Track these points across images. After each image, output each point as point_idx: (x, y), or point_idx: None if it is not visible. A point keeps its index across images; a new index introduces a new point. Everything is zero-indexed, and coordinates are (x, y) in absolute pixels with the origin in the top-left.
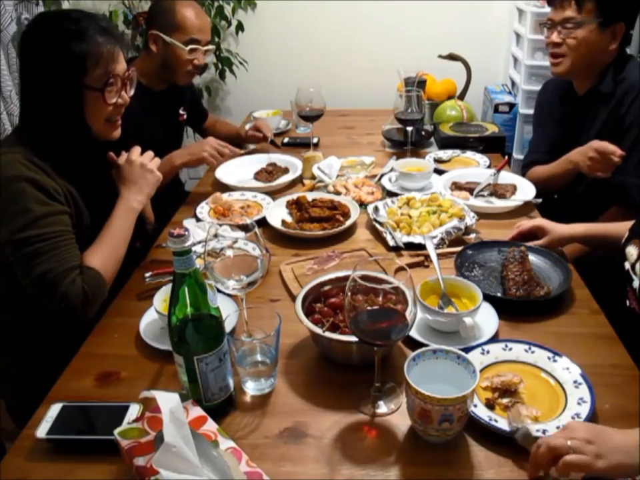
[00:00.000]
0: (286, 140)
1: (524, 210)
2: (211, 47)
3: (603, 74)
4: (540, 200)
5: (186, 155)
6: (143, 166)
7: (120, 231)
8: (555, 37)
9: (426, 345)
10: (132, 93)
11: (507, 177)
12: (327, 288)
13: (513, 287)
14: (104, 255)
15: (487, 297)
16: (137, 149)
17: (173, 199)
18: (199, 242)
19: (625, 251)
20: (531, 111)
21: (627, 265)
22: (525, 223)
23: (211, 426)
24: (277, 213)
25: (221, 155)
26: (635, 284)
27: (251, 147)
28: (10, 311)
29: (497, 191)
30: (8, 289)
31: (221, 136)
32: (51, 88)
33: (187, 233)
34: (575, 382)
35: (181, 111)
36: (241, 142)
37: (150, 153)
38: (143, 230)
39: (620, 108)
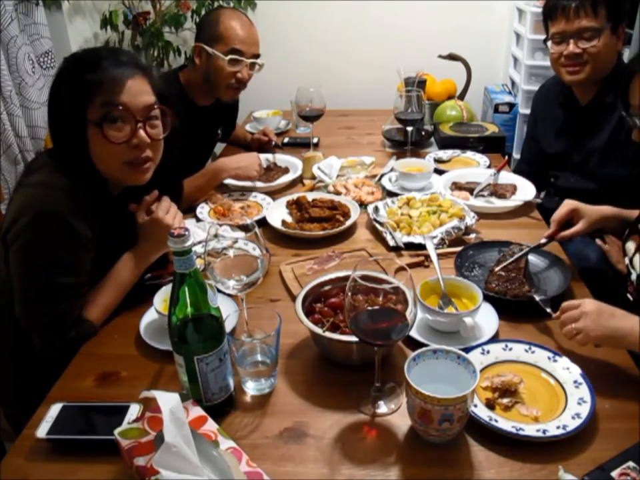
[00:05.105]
0: (286, 140)
1: (524, 210)
2: (257, 60)
3: (605, 83)
4: (540, 200)
5: (235, 170)
6: (166, 225)
7: (126, 285)
8: (573, 48)
9: (426, 345)
10: (163, 135)
11: (507, 177)
12: (327, 288)
13: (494, 281)
14: (105, 306)
15: (487, 297)
16: (161, 206)
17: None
18: (199, 242)
19: (624, 247)
20: None
21: (627, 260)
22: (559, 213)
23: (211, 426)
24: (277, 213)
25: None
26: (633, 276)
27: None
28: (9, 325)
29: (497, 191)
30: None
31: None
32: (58, 121)
33: (187, 232)
34: (575, 382)
35: (219, 130)
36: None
37: (170, 209)
38: (161, 263)
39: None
